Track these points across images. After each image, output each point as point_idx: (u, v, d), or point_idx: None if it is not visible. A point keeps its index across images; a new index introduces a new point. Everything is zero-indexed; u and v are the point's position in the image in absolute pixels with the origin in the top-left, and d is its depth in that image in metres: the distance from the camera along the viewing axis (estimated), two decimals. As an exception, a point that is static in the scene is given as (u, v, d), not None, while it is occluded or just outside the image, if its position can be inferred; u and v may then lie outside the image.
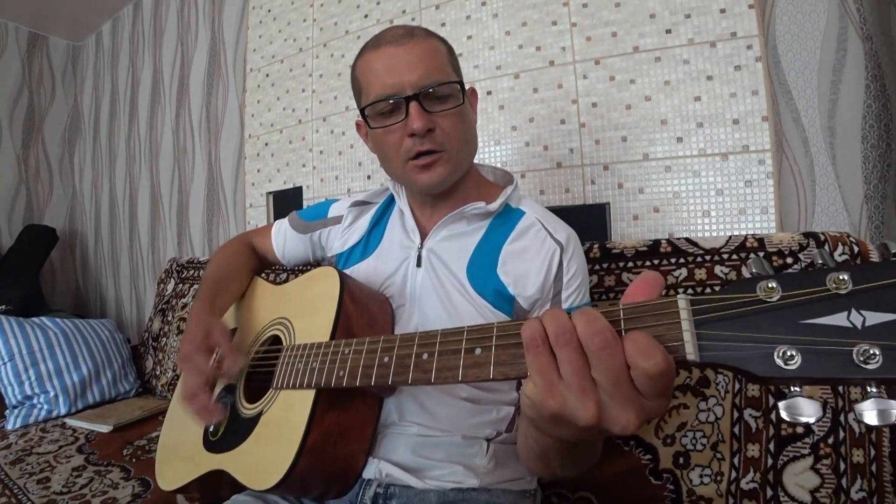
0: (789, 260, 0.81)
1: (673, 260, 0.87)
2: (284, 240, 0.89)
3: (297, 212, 0.90)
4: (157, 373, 1.45)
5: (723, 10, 1.02)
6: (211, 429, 0.74)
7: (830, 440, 0.73)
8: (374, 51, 0.65)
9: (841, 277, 0.27)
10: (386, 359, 0.48)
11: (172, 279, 1.57)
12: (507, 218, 0.70)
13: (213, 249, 1.87)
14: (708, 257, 0.85)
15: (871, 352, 0.25)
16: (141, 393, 1.44)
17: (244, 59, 1.71)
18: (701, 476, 0.77)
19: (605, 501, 0.81)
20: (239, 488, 0.72)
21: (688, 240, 0.88)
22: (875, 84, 0.94)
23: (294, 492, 0.65)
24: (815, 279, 0.28)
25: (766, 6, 1.01)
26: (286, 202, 1.56)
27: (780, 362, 0.27)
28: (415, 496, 0.61)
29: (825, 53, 0.97)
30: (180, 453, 0.78)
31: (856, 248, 0.78)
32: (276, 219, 1.61)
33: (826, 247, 0.79)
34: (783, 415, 0.28)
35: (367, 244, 0.77)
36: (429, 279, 0.68)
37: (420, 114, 0.61)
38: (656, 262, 0.89)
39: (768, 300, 0.29)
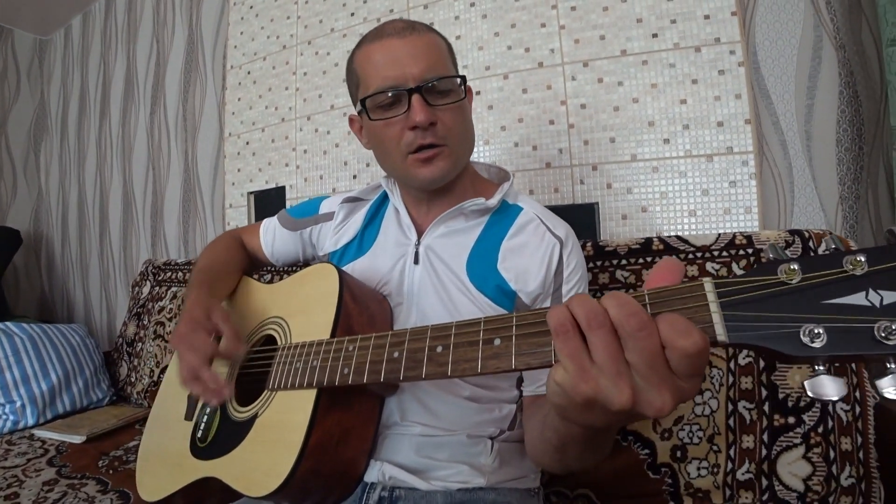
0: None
1: (665, 257, 0.88)
2: (273, 238, 0.86)
3: (287, 209, 0.87)
4: (133, 380, 1.37)
5: (707, 17, 1.03)
6: (199, 434, 0.69)
7: (820, 429, 0.74)
8: (375, 42, 0.63)
9: (858, 259, 0.28)
10: (396, 354, 0.47)
11: (148, 282, 1.48)
12: (504, 214, 0.69)
13: (189, 251, 1.79)
14: (699, 254, 0.86)
15: (893, 328, 0.26)
16: (115, 401, 1.35)
17: (224, 56, 1.64)
18: (698, 469, 0.77)
19: (603, 498, 0.80)
20: (230, 497, 0.67)
21: (679, 237, 0.89)
22: (848, 90, 0.98)
23: (293, 498, 0.61)
24: (831, 262, 0.28)
25: (746, 14, 1.03)
26: (268, 202, 1.51)
27: (806, 341, 0.28)
28: (421, 498, 0.58)
29: (801, 60, 1.00)
30: (164, 461, 0.73)
31: (839, 245, 0.79)
32: (257, 219, 1.57)
33: (811, 243, 0.81)
34: (809, 393, 0.28)
35: (362, 242, 0.75)
36: (427, 276, 0.66)
37: (423, 106, 0.59)
38: (649, 259, 0.89)
39: (790, 282, 0.29)
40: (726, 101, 1.02)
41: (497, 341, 0.39)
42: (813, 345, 0.27)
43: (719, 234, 0.87)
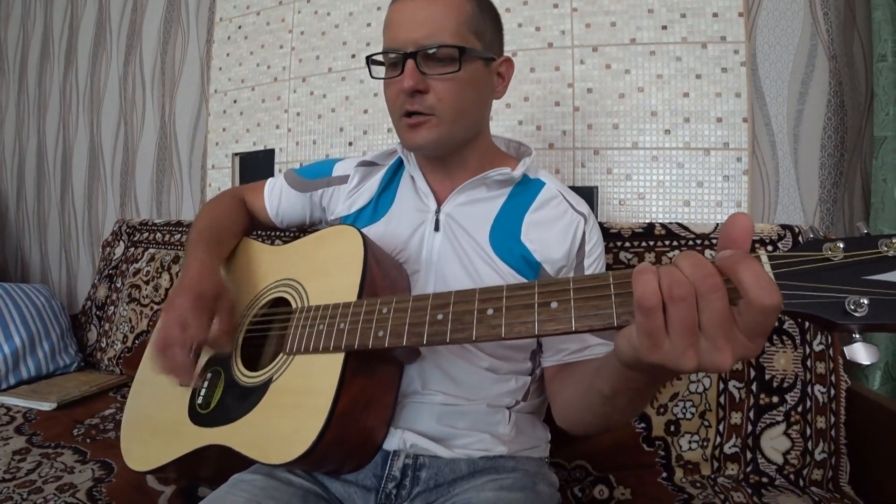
0: (770, 248, 0.84)
1: (667, 242, 0.88)
2: (280, 198, 0.79)
3: (295, 169, 0.81)
4: (103, 345, 1.25)
5: (715, 14, 1.03)
6: (199, 401, 0.63)
7: (800, 409, 0.77)
8: (397, 2, 0.61)
9: (893, 242, 0.30)
10: (440, 316, 0.45)
11: (122, 242, 1.34)
12: (526, 187, 0.68)
13: (162, 212, 1.64)
14: (699, 241, 0.87)
15: None
16: (83, 368, 1.22)
17: (210, 8, 1.48)
18: (690, 442, 0.79)
19: (599, 469, 0.80)
20: (233, 465, 0.63)
21: (680, 224, 0.89)
22: (835, 99, 1.00)
23: (312, 465, 0.57)
24: (868, 243, 0.31)
25: (750, 15, 1.03)
26: (255, 166, 1.40)
27: (850, 310, 0.30)
28: (445, 466, 0.57)
29: (796, 66, 1.02)
30: (157, 429, 0.66)
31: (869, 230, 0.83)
32: (241, 182, 1.45)
33: (800, 238, 0.83)
34: (848, 357, 0.31)
35: (377, 207, 0.71)
36: (448, 244, 0.64)
37: (413, 73, 0.57)
38: (651, 243, 0.89)
39: (833, 258, 0.31)
40: (727, 98, 1.02)
41: (554, 304, 0.38)
42: (856, 314, 0.30)
43: (717, 224, 0.88)
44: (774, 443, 0.77)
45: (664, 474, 0.78)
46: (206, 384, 0.64)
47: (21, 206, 2.02)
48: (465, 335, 0.43)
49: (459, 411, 0.60)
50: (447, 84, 0.59)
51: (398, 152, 0.72)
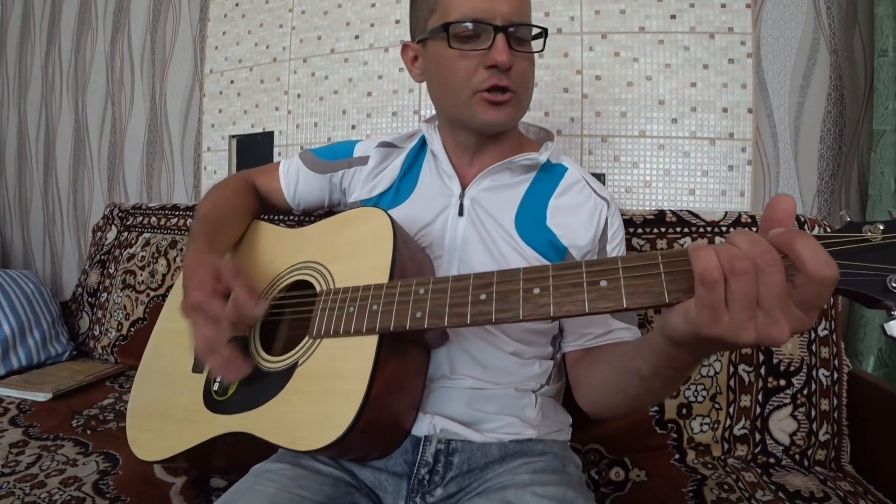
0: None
1: (677, 229, 0.87)
2: (297, 180, 0.75)
3: (312, 150, 0.77)
4: (96, 333, 1.18)
5: (723, 5, 1.01)
6: (215, 387, 0.59)
7: (805, 391, 0.78)
8: None
9: None
10: (483, 296, 0.44)
11: (114, 227, 1.27)
12: (549, 172, 0.66)
13: (153, 196, 1.55)
14: (709, 228, 0.86)
15: None
16: (75, 356, 1.15)
17: (205, -16, 1.40)
18: (701, 424, 0.79)
19: (613, 452, 0.80)
20: (250, 453, 0.61)
21: (690, 212, 0.89)
22: (835, 93, 1.01)
23: (341, 452, 0.54)
24: None
25: (756, 7, 1.02)
26: (253, 148, 1.33)
27: (892, 287, 0.31)
28: (477, 450, 0.55)
29: (798, 59, 1.02)
30: (168, 418, 0.62)
31: (828, 230, 0.83)
32: (238, 165, 1.38)
33: (805, 227, 0.84)
34: (888, 333, 0.31)
35: (399, 191, 0.68)
36: (473, 229, 0.62)
37: (506, 47, 0.54)
38: (662, 229, 0.88)
39: (873, 240, 0.32)
40: (732, 88, 1.02)
41: (603, 283, 0.38)
42: None
43: (726, 212, 0.88)
44: (782, 424, 0.77)
45: (676, 456, 0.78)
46: None
47: (1, 191, 1.90)
48: (512, 314, 0.42)
49: (488, 395, 0.58)
50: (527, 63, 0.58)
51: (422, 132, 0.69)
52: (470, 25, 0.54)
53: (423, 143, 0.70)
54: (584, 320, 0.61)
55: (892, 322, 0.31)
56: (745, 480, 0.71)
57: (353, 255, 0.58)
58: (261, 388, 0.55)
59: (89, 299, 1.22)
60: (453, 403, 0.57)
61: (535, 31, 0.58)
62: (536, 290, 0.42)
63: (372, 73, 1.20)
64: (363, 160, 0.72)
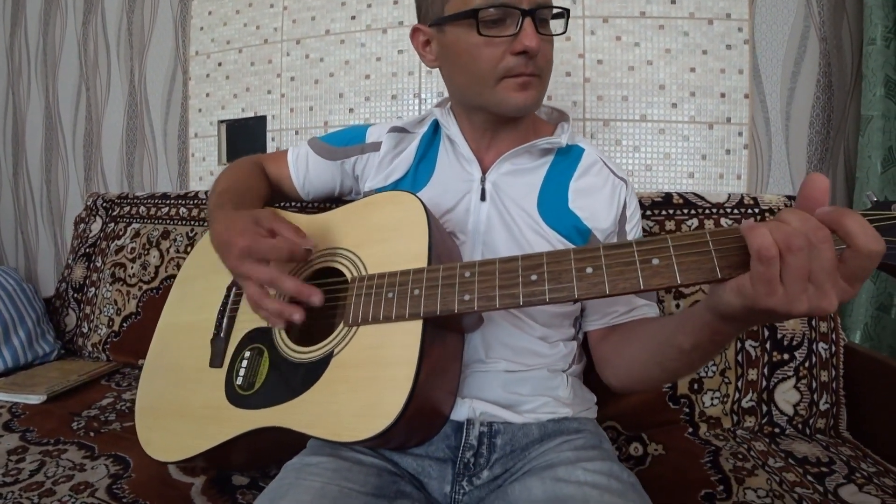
0: (777, 216, 0.85)
1: (684, 211, 0.87)
2: (307, 167, 0.71)
3: (321, 137, 0.73)
4: (85, 330, 1.09)
5: (722, -10, 1.01)
6: (238, 381, 0.55)
7: (807, 364, 0.80)
8: None
9: None
10: (534, 277, 0.43)
11: (98, 218, 1.17)
12: (567, 154, 0.65)
13: (135, 185, 1.45)
14: (714, 210, 0.87)
15: None
16: (63, 355, 1.07)
17: (185, -40, 1.29)
18: (711, 398, 0.80)
19: (628, 428, 0.80)
20: (279, 448, 0.58)
21: (696, 194, 0.89)
22: (824, 79, 1.02)
23: (384, 441, 0.51)
24: None
25: (752, -7, 1.02)
26: (245, 134, 1.25)
27: None
28: (518, 431, 0.55)
29: (790, 46, 1.03)
30: (185, 415, 0.58)
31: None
32: (229, 152, 1.30)
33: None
34: None
35: (416, 177, 0.65)
36: (496, 214, 0.60)
37: (535, 32, 0.52)
38: (670, 211, 0.88)
39: None
40: (730, 74, 1.02)
41: (655, 261, 0.39)
42: None
43: (730, 194, 0.88)
44: (786, 396, 0.79)
45: (690, 429, 0.79)
46: (244, 363, 0.57)
47: (-37, 181, 1.73)
48: (566, 293, 0.42)
49: (522, 378, 0.57)
50: (549, 46, 0.57)
51: (433, 117, 0.68)
52: (497, 11, 0.52)
53: (435, 128, 0.68)
54: (608, 299, 0.60)
55: None
56: (757, 449, 0.72)
57: (384, 239, 0.55)
58: (293, 380, 0.52)
59: (75, 295, 1.13)
60: (490, 387, 0.56)
61: (555, 11, 0.57)
62: (589, 270, 0.41)
63: (370, 55, 1.14)
64: (375, 146, 0.68)
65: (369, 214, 0.58)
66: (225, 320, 0.62)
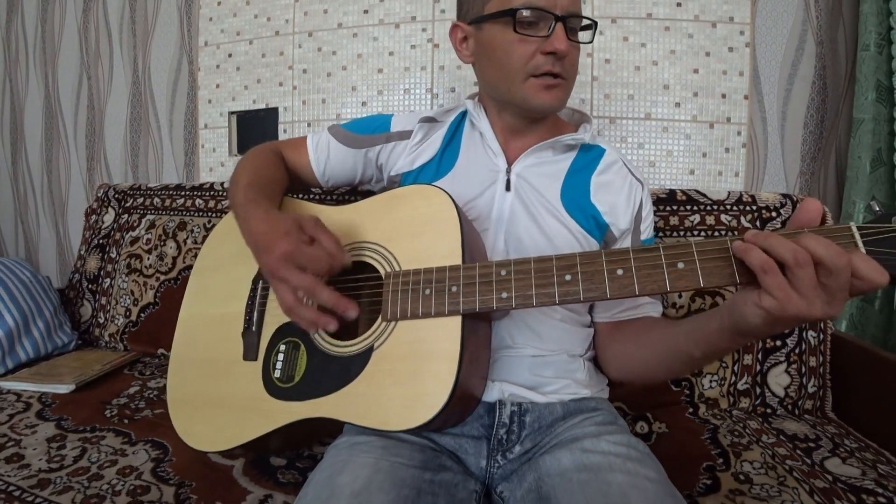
0: (773, 214, 0.90)
1: (687, 207, 0.92)
2: (328, 155, 0.72)
3: (342, 125, 0.74)
4: (101, 321, 1.10)
5: (725, -6, 1.04)
6: (277, 374, 0.58)
7: (797, 350, 0.86)
8: None
9: None
10: (568, 276, 0.47)
11: (111, 209, 1.17)
12: (589, 152, 0.69)
13: (140, 176, 1.44)
14: (715, 207, 0.91)
15: None
16: (80, 346, 1.08)
17: (192, -51, 1.27)
18: (710, 381, 0.86)
19: (634, 408, 0.85)
20: (312, 436, 0.65)
21: (698, 191, 0.93)
22: (819, 81, 1.07)
23: (427, 428, 0.55)
24: None
25: (754, -3, 1.06)
26: (255, 124, 1.25)
27: None
28: (544, 409, 0.59)
29: (788, 48, 1.07)
30: (224, 407, 0.60)
31: (825, 210, 0.90)
32: (239, 143, 1.30)
33: (798, 205, 0.90)
34: None
35: (441, 164, 0.68)
36: (520, 203, 0.63)
37: (565, 36, 0.57)
38: (674, 207, 0.92)
39: None
40: (731, 76, 1.06)
41: (681, 265, 0.42)
42: None
43: (729, 192, 0.93)
44: (778, 379, 0.85)
45: (690, 410, 0.85)
46: (280, 357, 0.59)
47: (-41, 170, 1.68)
48: (598, 293, 0.45)
49: (545, 362, 0.61)
50: (577, 53, 0.61)
51: (462, 108, 0.71)
52: (532, 14, 0.56)
53: (461, 118, 0.71)
54: None
55: None
56: (751, 427, 0.78)
57: (415, 235, 0.56)
58: (334, 372, 0.54)
59: (89, 286, 1.13)
60: (517, 371, 0.60)
61: (584, 23, 0.61)
62: (620, 272, 0.45)
63: (382, 49, 1.15)
64: (404, 135, 0.70)
65: (397, 208, 0.59)
66: (255, 314, 0.63)
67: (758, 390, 0.85)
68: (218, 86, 1.27)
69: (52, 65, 1.47)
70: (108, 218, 1.16)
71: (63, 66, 1.46)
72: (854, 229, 0.39)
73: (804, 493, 0.60)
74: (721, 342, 0.46)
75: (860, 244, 0.39)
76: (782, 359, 0.86)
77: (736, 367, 0.86)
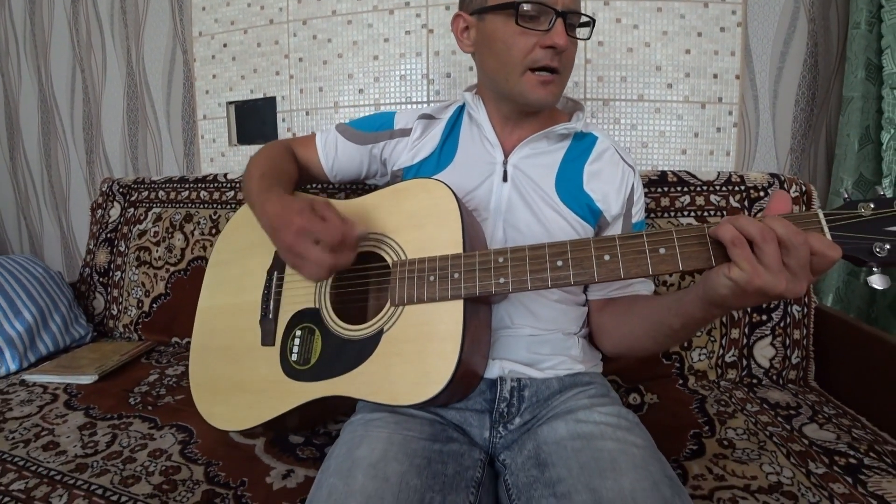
0: (761, 193, 0.93)
1: (678, 188, 0.94)
2: (336, 152, 0.76)
3: (348, 123, 0.77)
4: (114, 312, 1.13)
5: (717, -27, 1.04)
6: (294, 357, 0.62)
7: (782, 324, 0.90)
8: None
9: None
10: (560, 262, 0.50)
11: (117, 203, 1.19)
12: (582, 140, 0.71)
13: (140, 169, 1.45)
14: (704, 188, 0.94)
15: None
16: (96, 337, 1.11)
17: (179, -65, 1.24)
18: (699, 355, 0.91)
19: (627, 381, 0.90)
20: (325, 413, 0.69)
21: (688, 173, 0.95)
22: (810, 59, 1.08)
23: (434, 402, 0.59)
24: (888, 203, 0.41)
25: (746, -25, 1.05)
26: (253, 114, 1.26)
27: (876, 251, 0.41)
28: (542, 383, 0.63)
29: (780, 26, 1.07)
30: (244, 390, 0.65)
31: (804, 188, 0.93)
32: (238, 132, 1.31)
33: (785, 185, 0.93)
34: (870, 284, 0.42)
35: (440, 157, 0.71)
36: (517, 194, 0.66)
37: (564, 31, 0.59)
38: (665, 188, 0.94)
39: (864, 215, 0.42)
40: (723, 56, 1.07)
41: (662, 250, 0.46)
42: (879, 255, 0.41)
43: (719, 173, 0.95)
44: (763, 351, 0.90)
45: (680, 381, 0.90)
46: (297, 341, 0.63)
47: (-42, 166, 1.69)
48: (588, 277, 0.49)
49: (542, 340, 0.65)
50: (573, 48, 0.62)
51: (459, 102, 0.73)
52: (534, 8, 0.58)
53: (459, 112, 0.74)
54: None
55: (873, 276, 0.42)
56: (737, 397, 0.83)
57: (419, 226, 0.60)
58: (347, 354, 0.58)
59: (100, 279, 1.16)
60: (516, 349, 0.64)
61: (583, 19, 0.63)
62: (607, 257, 0.48)
63: (377, 35, 1.15)
64: (406, 132, 0.73)
65: (402, 201, 0.62)
66: (272, 303, 0.67)
67: (744, 362, 0.90)
68: (214, 76, 1.27)
69: (45, 58, 1.46)
70: (115, 212, 1.18)
71: (55, 59, 1.45)
72: (821, 215, 0.43)
73: (781, 456, 0.66)
74: (696, 312, 0.49)
75: (826, 229, 0.42)
76: (768, 332, 0.90)
77: (724, 341, 0.91)
